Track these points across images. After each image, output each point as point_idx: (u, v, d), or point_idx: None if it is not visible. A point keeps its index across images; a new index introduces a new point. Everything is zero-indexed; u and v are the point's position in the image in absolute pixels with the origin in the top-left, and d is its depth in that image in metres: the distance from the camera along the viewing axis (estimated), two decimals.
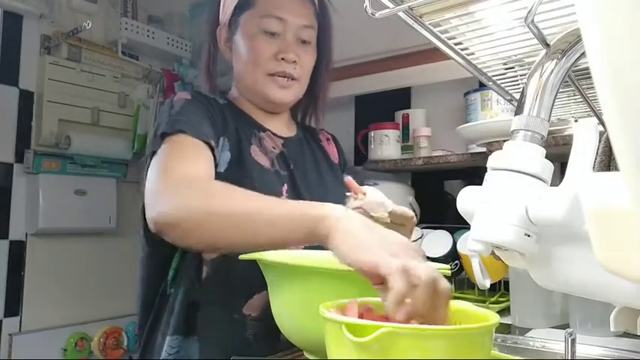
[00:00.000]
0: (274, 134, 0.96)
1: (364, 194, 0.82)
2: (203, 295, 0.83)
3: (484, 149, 1.37)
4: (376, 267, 0.49)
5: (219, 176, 0.80)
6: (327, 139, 1.10)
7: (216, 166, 0.82)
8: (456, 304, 0.51)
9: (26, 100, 1.89)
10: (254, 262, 0.65)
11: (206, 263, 0.83)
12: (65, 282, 1.97)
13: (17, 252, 1.85)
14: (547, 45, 0.49)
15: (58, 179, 1.91)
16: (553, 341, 0.82)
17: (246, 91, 0.96)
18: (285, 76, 0.91)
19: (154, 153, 0.79)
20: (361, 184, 0.96)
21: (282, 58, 0.90)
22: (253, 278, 0.74)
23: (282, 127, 0.99)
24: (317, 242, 0.58)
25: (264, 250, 0.66)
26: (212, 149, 0.80)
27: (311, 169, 0.98)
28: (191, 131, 0.78)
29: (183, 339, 0.82)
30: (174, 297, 0.84)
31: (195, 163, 0.76)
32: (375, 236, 0.54)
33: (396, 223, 0.74)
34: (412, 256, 0.51)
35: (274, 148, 0.94)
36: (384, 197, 0.81)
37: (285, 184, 0.89)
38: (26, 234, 1.88)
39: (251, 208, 0.63)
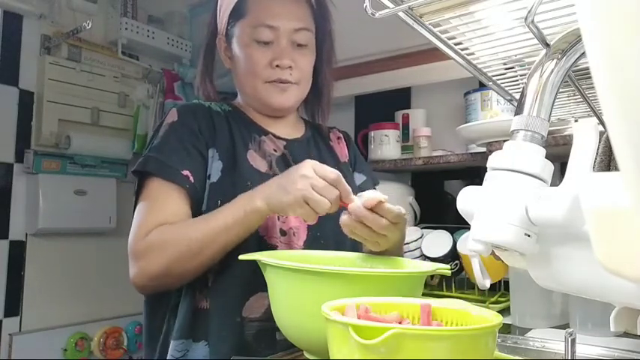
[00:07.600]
0: (277, 137, 0.96)
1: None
2: (209, 300, 0.83)
3: (484, 149, 1.37)
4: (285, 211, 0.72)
5: (212, 186, 0.85)
6: (338, 138, 1.09)
7: (208, 177, 0.86)
8: (456, 305, 0.51)
9: (26, 100, 1.89)
10: (253, 263, 0.66)
11: (210, 269, 0.82)
12: (65, 282, 1.96)
13: (17, 252, 1.85)
14: (547, 45, 0.49)
15: (58, 179, 1.91)
16: (553, 341, 0.82)
17: (248, 98, 0.97)
18: (282, 82, 0.92)
19: (136, 194, 0.87)
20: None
21: (277, 65, 0.90)
22: (253, 280, 0.74)
23: (287, 129, 0.99)
24: (251, 211, 0.74)
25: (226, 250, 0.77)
26: (186, 182, 0.84)
27: None
28: (161, 173, 0.83)
29: (189, 343, 0.82)
30: (180, 302, 0.84)
31: (161, 211, 0.82)
32: (277, 180, 0.74)
33: (392, 222, 0.73)
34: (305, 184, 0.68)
35: (275, 150, 0.94)
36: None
37: None
38: (26, 234, 1.88)
39: (205, 228, 0.77)
